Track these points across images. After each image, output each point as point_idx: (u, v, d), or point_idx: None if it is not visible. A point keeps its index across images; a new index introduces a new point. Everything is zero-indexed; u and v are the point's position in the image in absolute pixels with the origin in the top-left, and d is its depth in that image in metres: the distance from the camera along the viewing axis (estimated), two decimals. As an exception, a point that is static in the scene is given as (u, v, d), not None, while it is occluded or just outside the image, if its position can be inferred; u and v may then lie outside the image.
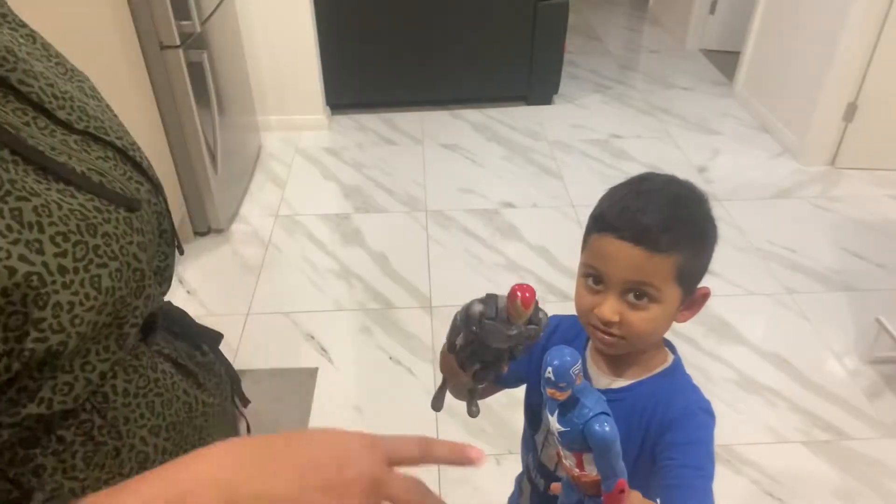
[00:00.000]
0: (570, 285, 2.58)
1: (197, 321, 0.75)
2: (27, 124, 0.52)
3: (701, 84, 4.20)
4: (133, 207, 0.55)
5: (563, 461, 0.66)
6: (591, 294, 0.78)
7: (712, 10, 4.61)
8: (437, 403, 0.87)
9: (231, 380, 0.79)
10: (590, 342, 0.88)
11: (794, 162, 3.30)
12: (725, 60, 4.36)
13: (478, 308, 0.68)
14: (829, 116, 3.14)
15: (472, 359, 0.73)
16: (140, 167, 0.60)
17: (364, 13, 3.55)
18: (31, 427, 0.52)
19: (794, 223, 2.87)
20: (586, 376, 0.86)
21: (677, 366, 0.86)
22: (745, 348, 2.24)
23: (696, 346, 2.23)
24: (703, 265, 0.80)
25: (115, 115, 0.65)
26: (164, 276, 0.66)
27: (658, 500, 0.76)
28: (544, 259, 2.66)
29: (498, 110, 3.85)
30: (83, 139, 0.56)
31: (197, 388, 0.68)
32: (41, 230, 0.46)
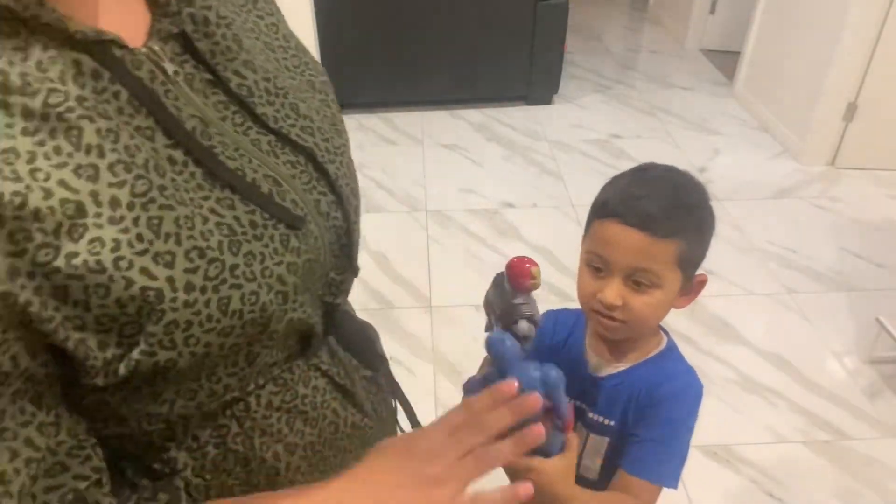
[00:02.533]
0: (570, 285, 2.58)
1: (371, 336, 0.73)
2: (223, 119, 0.51)
3: (701, 84, 4.20)
4: (295, 226, 0.52)
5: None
6: (594, 279, 0.81)
7: (712, 10, 4.61)
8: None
9: (400, 402, 0.78)
10: (588, 330, 0.91)
11: (794, 162, 3.30)
12: (725, 60, 4.36)
13: (524, 325, 0.68)
14: (829, 116, 3.14)
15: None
16: (328, 177, 0.57)
17: (364, 13, 3.55)
18: (170, 422, 0.52)
19: (794, 223, 2.87)
20: (584, 363, 0.89)
21: (672, 347, 0.89)
22: (745, 348, 2.24)
23: (696, 346, 2.23)
24: (702, 252, 0.82)
25: (337, 113, 0.64)
26: (339, 289, 0.64)
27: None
28: (544, 259, 2.66)
29: (498, 110, 3.85)
30: (276, 141, 0.55)
31: (352, 408, 0.66)
32: (178, 242, 0.44)
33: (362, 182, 2.86)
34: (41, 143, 0.40)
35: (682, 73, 4.35)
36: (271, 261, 0.50)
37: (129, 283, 0.42)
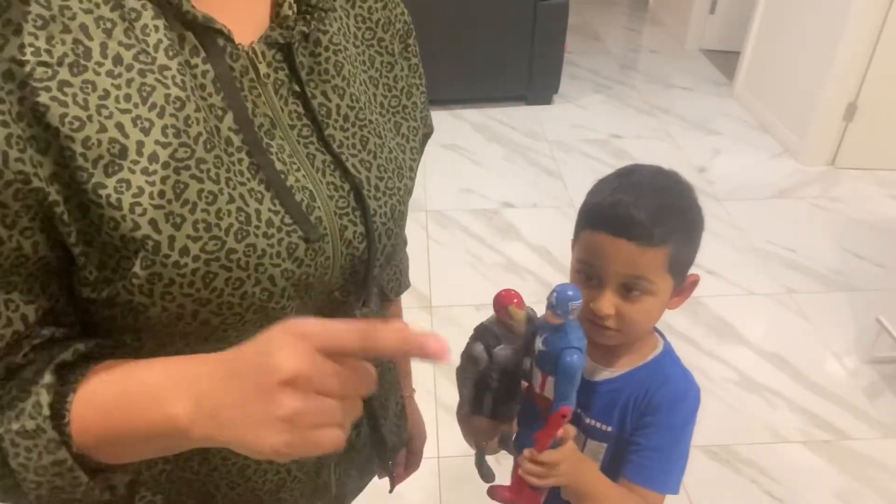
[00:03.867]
0: (570, 285, 2.58)
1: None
2: (292, 127, 0.56)
3: (701, 84, 4.20)
4: (309, 238, 0.54)
5: (532, 381, 0.72)
6: (585, 288, 0.78)
7: (712, 10, 4.61)
8: (486, 472, 0.87)
9: (369, 423, 0.77)
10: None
11: (794, 162, 3.30)
12: (725, 60, 4.36)
13: (478, 346, 0.69)
14: (829, 116, 3.14)
15: (495, 405, 0.74)
16: (366, 211, 0.59)
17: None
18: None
19: (794, 223, 2.87)
20: None
21: (667, 351, 0.88)
22: (745, 348, 2.24)
23: (697, 346, 2.23)
24: (692, 253, 0.81)
25: (410, 161, 0.67)
26: (338, 311, 0.64)
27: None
28: (544, 259, 2.66)
29: (498, 110, 3.85)
30: (331, 162, 0.58)
31: None
32: (192, 211, 0.48)
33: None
34: (117, 87, 0.46)
35: (682, 73, 4.35)
36: (269, 261, 0.52)
37: (136, 227, 0.47)
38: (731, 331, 2.31)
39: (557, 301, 0.65)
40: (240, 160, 0.52)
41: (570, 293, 0.65)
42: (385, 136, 0.63)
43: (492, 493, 0.81)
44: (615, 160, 3.35)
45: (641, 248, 0.75)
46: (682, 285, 0.82)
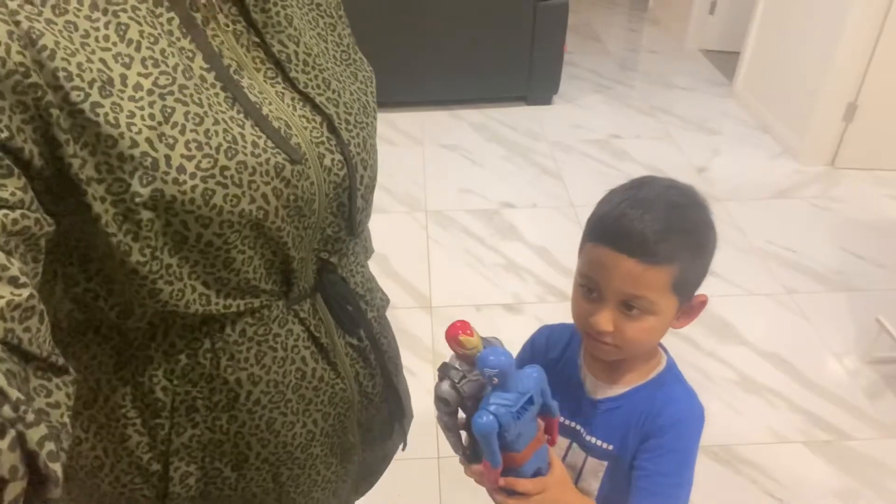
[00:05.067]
0: (569, 285, 2.56)
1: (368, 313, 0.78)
2: (257, 69, 0.61)
3: (700, 84, 4.20)
4: (293, 159, 0.59)
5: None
6: (586, 302, 0.77)
7: (712, 11, 4.61)
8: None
9: (383, 375, 0.81)
10: (582, 349, 0.88)
11: (793, 162, 3.30)
12: (725, 60, 4.36)
13: (444, 384, 0.70)
14: (829, 116, 3.14)
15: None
16: (340, 140, 0.64)
17: (362, 13, 3.55)
18: (153, 324, 0.61)
19: (794, 223, 2.87)
20: (579, 383, 0.86)
21: (671, 368, 0.85)
22: (745, 348, 2.24)
23: (696, 346, 2.23)
24: (700, 273, 0.78)
25: (371, 103, 0.72)
26: (334, 248, 0.70)
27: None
28: (544, 259, 2.66)
29: (498, 110, 3.85)
30: (300, 99, 0.63)
31: (324, 363, 0.71)
32: (182, 132, 0.52)
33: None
34: (96, 29, 0.50)
35: (681, 74, 4.35)
36: (260, 178, 0.56)
37: (134, 144, 0.50)
38: (731, 331, 2.31)
39: (478, 366, 0.65)
40: (216, 93, 0.56)
41: (490, 359, 0.64)
42: (344, 81, 0.68)
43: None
44: (615, 160, 3.34)
45: (644, 266, 0.72)
46: (690, 305, 0.79)
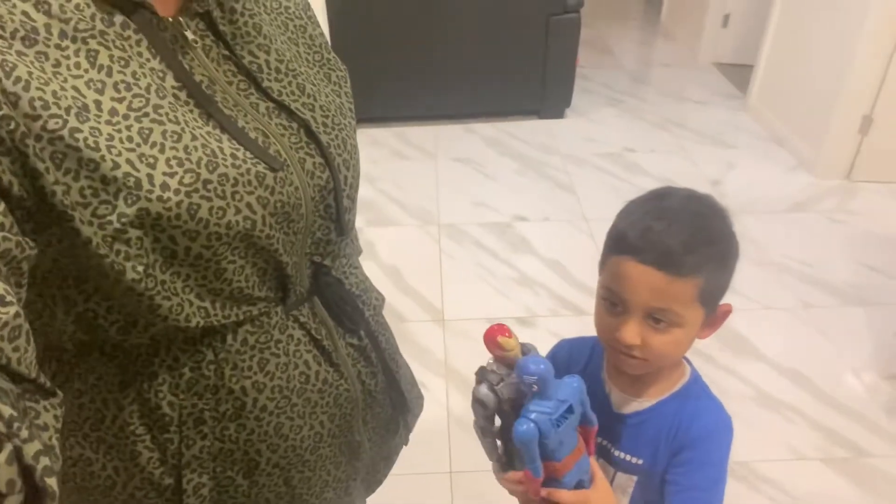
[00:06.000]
0: (582, 299, 2.58)
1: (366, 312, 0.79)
2: (230, 84, 0.61)
3: (714, 97, 4.19)
4: (273, 167, 0.59)
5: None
6: (610, 316, 0.77)
7: (725, 24, 4.61)
8: None
9: (385, 372, 0.82)
10: (606, 362, 0.87)
11: (809, 175, 3.28)
12: (738, 74, 4.34)
13: (483, 387, 0.70)
14: (844, 129, 3.12)
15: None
16: (319, 144, 0.65)
17: (377, 28, 3.58)
18: (155, 339, 0.61)
19: (810, 237, 2.84)
20: (604, 397, 0.85)
21: (696, 379, 0.85)
22: (761, 364, 2.21)
23: (713, 361, 2.21)
24: (725, 283, 0.78)
25: (347, 103, 0.73)
26: (326, 250, 0.71)
27: None
28: (557, 273, 2.65)
29: (510, 124, 3.86)
30: (275, 108, 0.63)
31: (327, 365, 0.72)
32: (161, 151, 0.53)
33: (375, 196, 2.89)
34: (66, 57, 0.50)
35: (695, 87, 4.34)
36: (244, 188, 0.57)
37: (116, 165, 0.50)
38: (748, 346, 2.28)
39: (517, 374, 0.66)
40: (190, 110, 0.56)
41: (530, 366, 0.65)
42: (318, 84, 0.69)
43: None
44: (628, 174, 3.34)
45: (671, 278, 0.71)
46: (714, 315, 0.79)
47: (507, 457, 0.75)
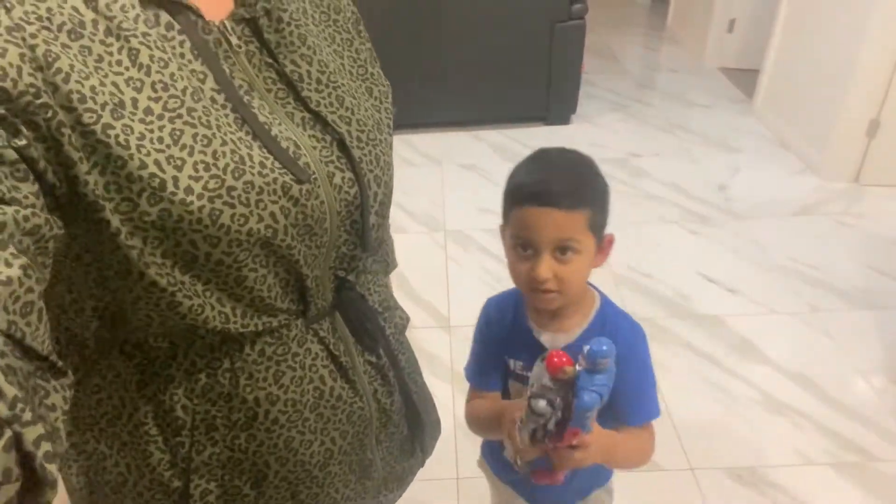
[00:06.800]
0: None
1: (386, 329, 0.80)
2: (268, 91, 0.62)
3: (720, 102, 4.19)
4: (300, 179, 0.59)
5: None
6: (524, 261, 0.88)
7: (730, 29, 4.61)
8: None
9: (402, 391, 0.83)
10: (528, 308, 0.98)
11: (816, 178, 3.27)
12: (744, 78, 4.34)
13: (542, 402, 0.78)
14: (851, 132, 3.11)
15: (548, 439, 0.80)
16: (351, 159, 0.65)
17: (381, 35, 3.59)
18: (174, 343, 0.62)
19: (817, 240, 2.83)
20: (536, 343, 0.96)
21: (606, 302, 0.97)
22: (768, 368, 2.20)
23: (719, 365, 2.20)
24: (606, 213, 0.91)
25: (386, 118, 0.73)
26: (350, 266, 0.71)
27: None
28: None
29: (516, 130, 3.87)
30: (310, 119, 0.63)
31: (343, 382, 0.72)
32: (190, 154, 0.53)
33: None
34: (109, 53, 0.51)
35: (700, 92, 4.34)
36: (268, 198, 0.57)
37: (143, 165, 0.51)
38: (754, 350, 2.28)
39: (589, 355, 0.74)
40: (225, 115, 0.56)
41: (604, 348, 0.73)
42: (359, 97, 0.69)
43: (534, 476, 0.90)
44: (634, 179, 3.34)
45: (566, 213, 0.84)
46: (602, 244, 0.91)
47: (532, 434, 0.82)
